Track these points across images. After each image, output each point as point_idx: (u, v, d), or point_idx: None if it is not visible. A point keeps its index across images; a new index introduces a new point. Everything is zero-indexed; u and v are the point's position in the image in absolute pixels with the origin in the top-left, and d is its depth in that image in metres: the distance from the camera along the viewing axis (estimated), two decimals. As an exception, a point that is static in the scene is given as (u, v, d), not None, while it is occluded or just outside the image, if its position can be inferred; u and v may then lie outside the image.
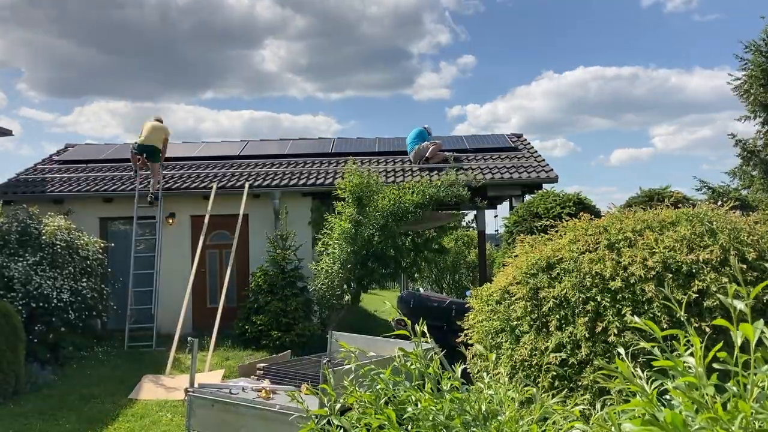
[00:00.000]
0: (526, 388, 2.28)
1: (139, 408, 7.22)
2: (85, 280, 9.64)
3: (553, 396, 2.36)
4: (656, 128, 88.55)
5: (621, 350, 1.72)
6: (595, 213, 8.23)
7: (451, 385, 2.24)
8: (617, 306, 3.63)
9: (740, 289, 1.43)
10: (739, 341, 1.37)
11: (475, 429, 2.06)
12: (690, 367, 1.41)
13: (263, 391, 5.07)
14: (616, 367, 1.56)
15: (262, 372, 5.88)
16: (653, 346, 1.54)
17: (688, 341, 1.49)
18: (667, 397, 1.49)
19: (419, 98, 76.92)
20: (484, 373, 2.74)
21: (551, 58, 69.50)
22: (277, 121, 72.05)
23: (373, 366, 2.41)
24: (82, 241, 10.04)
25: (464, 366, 2.55)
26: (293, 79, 67.11)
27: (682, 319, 1.58)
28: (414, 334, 2.43)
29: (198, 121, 74.39)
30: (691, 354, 1.44)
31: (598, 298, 3.70)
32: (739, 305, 1.40)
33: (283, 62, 61.63)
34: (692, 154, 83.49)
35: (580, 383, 3.58)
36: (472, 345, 4.42)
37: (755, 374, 1.36)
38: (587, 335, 3.63)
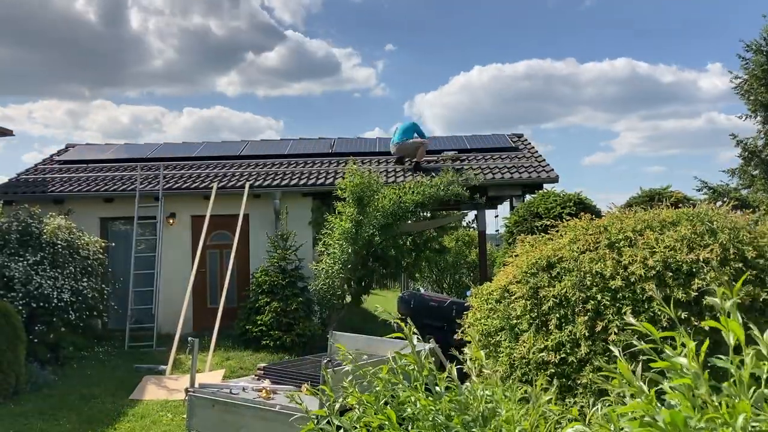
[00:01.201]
0: (523, 387, 2.27)
1: (140, 408, 7.23)
2: (85, 280, 9.65)
3: (549, 394, 2.36)
4: (616, 125, 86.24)
5: (615, 350, 1.72)
6: (596, 213, 8.24)
7: (447, 385, 2.23)
8: (617, 305, 3.62)
9: (727, 291, 1.43)
10: (732, 342, 1.36)
11: (475, 429, 2.06)
12: (686, 369, 1.41)
13: (263, 391, 5.07)
14: (616, 368, 1.56)
15: (262, 372, 5.88)
16: (651, 347, 1.53)
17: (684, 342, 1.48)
18: (664, 397, 1.48)
19: (357, 97, 75.03)
20: (479, 373, 2.73)
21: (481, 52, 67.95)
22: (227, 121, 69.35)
23: (371, 367, 2.41)
24: (82, 241, 10.04)
25: (460, 366, 2.54)
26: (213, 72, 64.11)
27: (680, 318, 1.58)
28: (412, 335, 2.42)
29: (135, 119, 69.93)
30: (686, 355, 1.43)
31: (598, 297, 3.70)
32: (727, 304, 1.41)
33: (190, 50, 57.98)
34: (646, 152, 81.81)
35: (579, 382, 3.58)
36: (469, 343, 4.42)
37: (746, 371, 1.36)
38: (587, 334, 3.63)
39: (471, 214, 13.82)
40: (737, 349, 1.38)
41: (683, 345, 1.48)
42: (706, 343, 1.44)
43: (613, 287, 3.68)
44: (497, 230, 13.93)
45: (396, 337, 2.52)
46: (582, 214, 4.69)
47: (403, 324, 2.45)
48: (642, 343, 1.58)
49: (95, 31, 43.21)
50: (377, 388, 2.28)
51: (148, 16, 49.71)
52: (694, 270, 3.58)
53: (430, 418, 2.10)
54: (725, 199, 14.99)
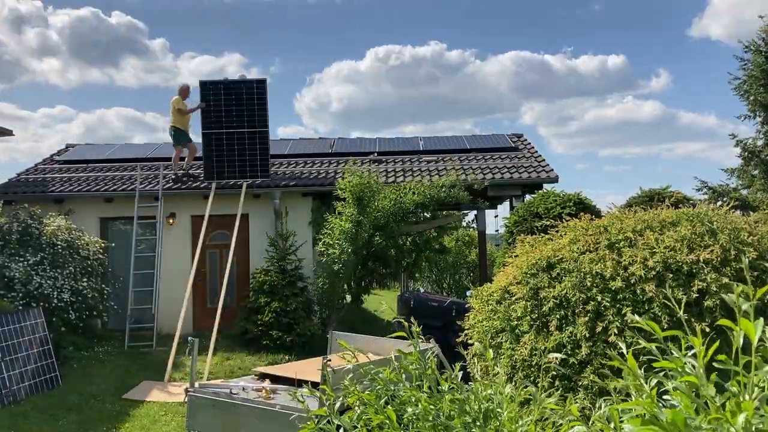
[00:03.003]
0: (525, 389, 2.27)
1: (140, 408, 7.22)
2: (85, 280, 9.64)
3: (552, 395, 2.36)
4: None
5: (622, 345, 1.72)
6: (596, 213, 8.25)
7: (450, 385, 2.23)
8: (617, 306, 3.62)
9: (747, 289, 1.42)
10: (740, 341, 1.36)
11: (475, 429, 2.06)
12: (692, 367, 1.41)
13: (263, 391, 5.07)
14: (623, 362, 1.55)
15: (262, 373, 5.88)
16: (656, 346, 1.53)
17: (689, 342, 1.48)
18: (666, 397, 1.48)
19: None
20: (483, 373, 2.74)
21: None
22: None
23: (372, 366, 2.41)
24: (82, 241, 10.04)
25: (464, 365, 2.54)
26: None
27: (682, 319, 1.58)
28: (412, 335, 2.42)
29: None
30: (694, 354, 1.43)
31: (599, 298, 3.69)
32: (744, 305, 1.40)
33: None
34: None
35: (580, 383, 3.58)
36: (472, 344, 4.41)
37: (755, 375, 1.35)
38: (587, 335, 3.62)
39: (471, 214, 13.82)
40: (743, 351, 1.38)
41: (689, 347, 1.47)
42: (716, 344, 1.43)
43: (613, 288, 3.68)
44: (497, 230, 13.92)
45: (397, 337, 2.52)
46: (582, 214, 4.69)
47: (406, 323, 2.45)
48: (644, 342, 1.58)
49: None
50: (377, 387, 2.27)
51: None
52: (694, 271, 3.58)
53: (430, 418, 2.10)
54: (725, 199, 15.00)
